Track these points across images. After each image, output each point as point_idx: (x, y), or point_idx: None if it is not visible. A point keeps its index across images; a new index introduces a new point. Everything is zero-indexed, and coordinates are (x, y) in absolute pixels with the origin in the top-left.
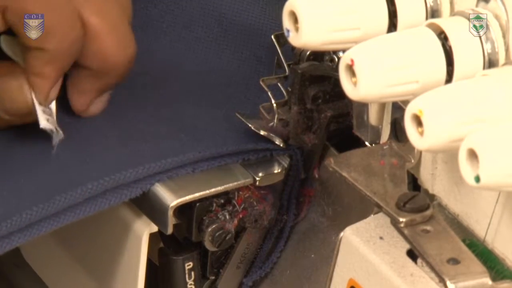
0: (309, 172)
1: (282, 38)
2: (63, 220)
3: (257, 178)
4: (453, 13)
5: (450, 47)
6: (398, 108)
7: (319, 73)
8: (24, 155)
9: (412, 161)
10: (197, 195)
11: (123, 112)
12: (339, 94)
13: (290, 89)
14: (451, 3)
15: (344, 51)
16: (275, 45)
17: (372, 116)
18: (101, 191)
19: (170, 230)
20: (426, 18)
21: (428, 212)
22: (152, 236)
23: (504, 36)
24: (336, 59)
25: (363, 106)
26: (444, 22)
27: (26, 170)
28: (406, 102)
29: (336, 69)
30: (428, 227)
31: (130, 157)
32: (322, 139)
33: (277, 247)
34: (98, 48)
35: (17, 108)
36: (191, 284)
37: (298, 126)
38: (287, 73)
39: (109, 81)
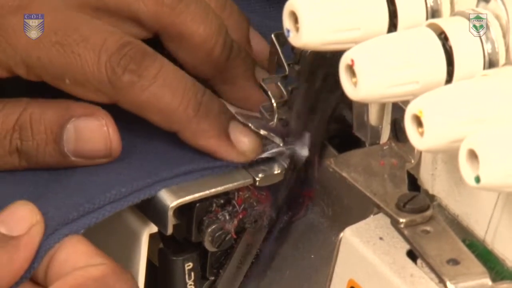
0: (309, 155)
1: (282, 37)
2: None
3: (257, 179)
4: (453, 13)
5: (450, 47)
6: (398, 108)
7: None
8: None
9: (412, 161)
10: (197, 195)
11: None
12: None
13: (299, 68)
14: (452, 3)
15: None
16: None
17: (372, 117)
18: (110, 202)
19: (170, 231)
20: (427, 18)
21: (428, 213)
22: (152, 236)
23: (504, 36)
24: None
25: (363, 107)
26: (445, 22)
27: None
28: (406, 103)
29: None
30: (428, 228)
31: (140, 167)
32: (327, 121)
33: (269, 245)
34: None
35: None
36: (191, 285)
37: (304, 107)
38: (287, 73)
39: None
